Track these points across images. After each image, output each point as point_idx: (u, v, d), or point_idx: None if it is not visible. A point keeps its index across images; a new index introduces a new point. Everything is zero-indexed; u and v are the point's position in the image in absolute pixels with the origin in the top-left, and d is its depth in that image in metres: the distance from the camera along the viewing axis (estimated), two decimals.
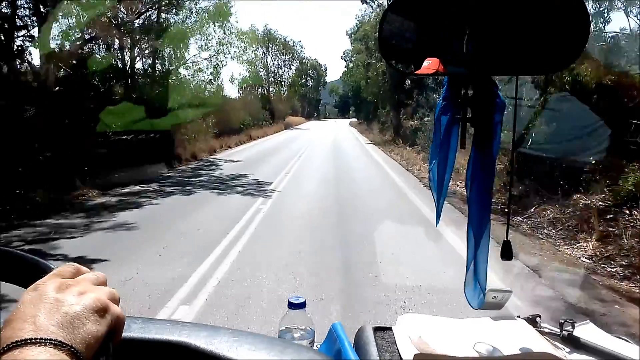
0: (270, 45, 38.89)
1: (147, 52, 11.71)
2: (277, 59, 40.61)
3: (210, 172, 8.93)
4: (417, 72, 0.57)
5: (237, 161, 10.56)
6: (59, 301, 0.34)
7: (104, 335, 0.34)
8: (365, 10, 24.11)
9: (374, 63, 18.57)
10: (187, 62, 14.07)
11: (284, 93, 42.11)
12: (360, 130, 28.91)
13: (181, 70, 13.38)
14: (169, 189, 6.68)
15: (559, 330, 0.57)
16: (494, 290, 0.57)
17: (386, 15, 0.55)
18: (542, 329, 0.57)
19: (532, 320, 0.57)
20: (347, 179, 7.83)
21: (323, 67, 74.88)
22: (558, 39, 0.56)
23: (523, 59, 0.57)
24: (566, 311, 2.53)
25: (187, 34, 13.23)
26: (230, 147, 14.70)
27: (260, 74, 36.32)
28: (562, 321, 0.58)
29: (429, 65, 0.56)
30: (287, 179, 7.65)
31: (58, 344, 0.30)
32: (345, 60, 40.26)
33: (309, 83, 70.21)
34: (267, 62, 39.82)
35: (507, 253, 0.54)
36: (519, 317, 0.57)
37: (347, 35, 32.07)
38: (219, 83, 17.24)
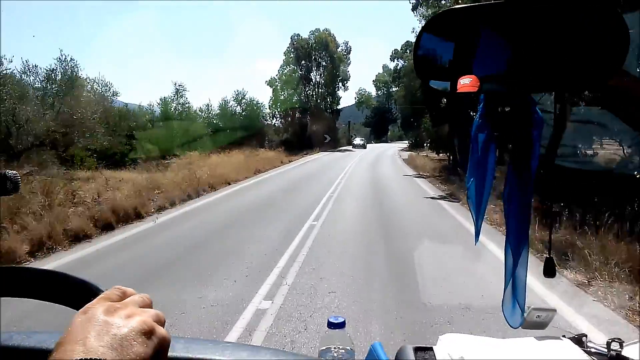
0: None
1: None
2: None
3: None
4: (457, 92, 0.91)
5: None
6: (108, 324, 0.54)
7: (151, 356, 0.54)
8: None
9: None
10: None
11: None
12: None
13: None
14: None
15: (606, 350, 0.91)
16: (538, 309, 0.93)
17: (422, 35, 0.92)
18: (588, 349, 0.92)
19: (578, 340, 0.92)
20: None
21: (343, 48, 68.60)
22: (596, 54, 0.91)
23: (560, 75, 0.92)
24: None
25: None
26: None
27: None
28: (610, 340, 0.91)
29: (466, 83, 0.91)
30: None
31: None
32: None
33: (317, 76, 65.50)
34: None
35: (549, 270, 0.89)
36: (564, 336, 0.92)
37: None
38: None
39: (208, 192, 16.95)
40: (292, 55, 62.48)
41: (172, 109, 40.68)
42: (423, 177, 24.26)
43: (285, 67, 62.77)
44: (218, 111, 49.31)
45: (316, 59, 63.85)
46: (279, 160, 34.71)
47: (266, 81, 62.12)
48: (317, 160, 39.52)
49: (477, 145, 0.96)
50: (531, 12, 0.93)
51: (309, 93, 63.86)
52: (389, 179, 23.60)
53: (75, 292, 0.79)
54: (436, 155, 35.87)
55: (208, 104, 49.31)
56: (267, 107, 60.13)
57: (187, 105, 42.66)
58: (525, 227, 0.95)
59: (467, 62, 0.96)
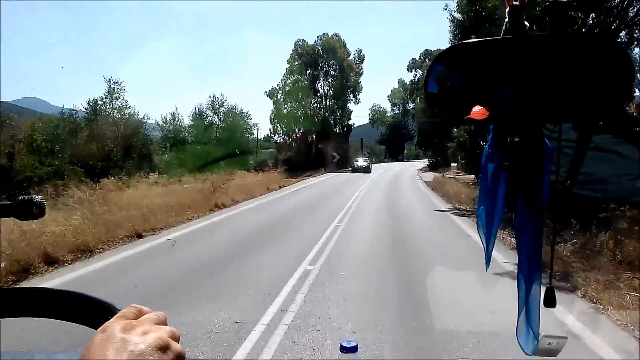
0: None
1: None
2: None
3: None
4: (466, 118, 1.08)
5: None
6: (125, 341, 0.65)
7: None
8: None
9: None
10: None
11: None
12: None
13: None
14: None
15: None
16: (549, 337, 1.09)
17: (433, 67, 1.09)
18: None
19: None
20: None
21: (356, 55, 68.49)
22: (603, 85, 1.08)
23: (569, 106, 1.08)
24: None
25: None
26: None
27: None
28: None
29: (477, 112, 1.07)
30: None
31: None
32: None
33: (325, 87, 64.44)
34: None
35: (550, 300, 1.05)
36: None
37: None
38: None
39: (66, 261, 10.16)
40: (296, 63, 61.73)
41: (107, 114, 33.68)
42: (464, 215, 18.61)
43: (288, 76, 61.91)
44: (191, 123, 44.25)
45: (323, 67, 63.21)
46: (263, 186, 29.44)
47: (266, 92, 60.71)
48: (317, 186, 35.28)
49: (486, 174, 1.12)
50: (538, 46, 1.09)
51: (316, 106, 62.95)
52: (418, 219, 18.00)
53: (92, 312, 0.94)
54: (469, 177, 34.28)
55: (174, 113, 43.38)
56: (269, 121, 59.07)
57: (127, 110, 35.34)
58: (538, 255, 1.11)
59: (477, 94, 1.12)
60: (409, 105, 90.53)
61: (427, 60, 70.78)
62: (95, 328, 0.70)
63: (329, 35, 63.70)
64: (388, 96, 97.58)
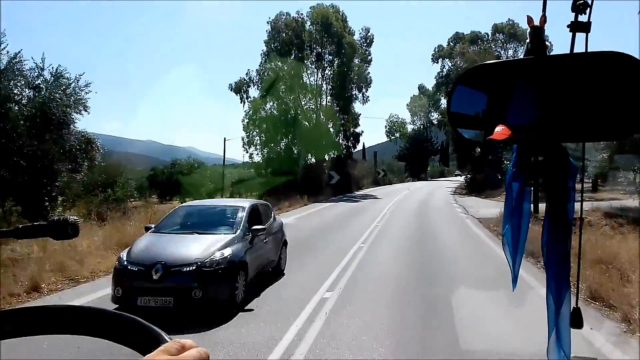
0: None
1: None
2: None
3: None
4: (487, 138, 1.51)
5: None
6: None
7: None
8: None
9: None
10: None
11: None
12: None
13: None
14: None
15: None
16: (578, 358, 1.50)
17: (455, 87, 1.53)
18: None
19: None
20: None
21: (363, 35, 64.85)
22: (627, 106, 1.52)
23: (591, 126, 1.51)
24: None
25: None
26: None
27: None
28: None
29: (499, 132, 1.50)
30: None
31: None
32: None
33: (318, 79, 59.32)
34: None
35: (576, 321, 1.47)
36: None
37: None
38: None
39: None
40: (273, 45, 57.15)
41: None
42: None
43: (265, 65, 57.17)
44: None
45: (314, 49, 58.72)
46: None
47: (230, 85, 56.66)
48: None
49: (511, 192, 1.54)
50: (560, 66, 1.52)
51: (307, 106, 57.95)
52: None
53: (141, 337, 1.24)
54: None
55: None
56: (242, 129, 54.20)
57: None
58: (566, 274, 1.52)
59: (500, 113, 1.53)
60: (432, 115, 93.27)
61: (457, 46, 70.98)
62: (142, 353, 0.94)
63: (324, 5, 59.05)
64: (407, 104, 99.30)
